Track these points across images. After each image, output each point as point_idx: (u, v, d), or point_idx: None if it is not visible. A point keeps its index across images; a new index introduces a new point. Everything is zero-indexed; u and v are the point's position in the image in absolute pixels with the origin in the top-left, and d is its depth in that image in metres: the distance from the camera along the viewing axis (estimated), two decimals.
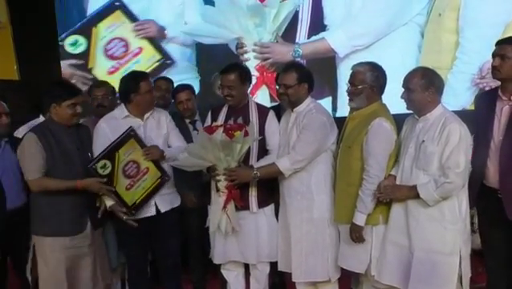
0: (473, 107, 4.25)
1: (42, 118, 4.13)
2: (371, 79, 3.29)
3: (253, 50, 5.61)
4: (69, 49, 5.62)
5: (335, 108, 5.49)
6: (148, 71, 5.51)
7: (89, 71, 5.59)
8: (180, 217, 3.87)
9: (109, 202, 3.48)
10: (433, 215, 3.09)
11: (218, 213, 3.53)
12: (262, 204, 3.62)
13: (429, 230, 3.10)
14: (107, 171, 3.41)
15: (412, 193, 3.10)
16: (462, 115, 3.21)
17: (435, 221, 3.09)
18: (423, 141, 3.10)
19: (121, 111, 3.61)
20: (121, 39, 5.54)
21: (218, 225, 3.54)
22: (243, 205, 3.56)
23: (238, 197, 3.52)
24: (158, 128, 3.67)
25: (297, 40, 5.57)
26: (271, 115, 3.67)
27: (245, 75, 3.64)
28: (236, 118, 3.58)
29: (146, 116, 3.63)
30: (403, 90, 3.20)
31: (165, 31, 5.69)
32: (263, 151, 3.63)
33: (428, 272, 3.10)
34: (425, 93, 3.11)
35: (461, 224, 3.12)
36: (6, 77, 5.67)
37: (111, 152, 3.44)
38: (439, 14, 5.17)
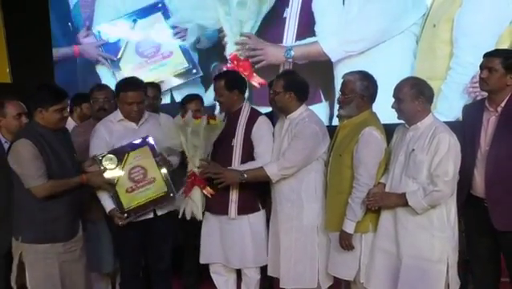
0: None
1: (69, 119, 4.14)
2: (360, 88, 3.35)
3: (247, 56, 5.73)
4: (104, 36, 5.78)
5: (331, 115, 5.55)
6: (172, 75, 5.69)
7: (117, 61, 5.78)
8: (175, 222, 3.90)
9: (109, 207, 3.51)
10: (422, 223, 3.13)
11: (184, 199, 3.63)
12: (243, 210, 3.63)
13: (418, 238, 3.14)
14: (112, 166, 3.46)
15: (401, 200, 3.14)
16: (453, 126, 3.25)
17: (423, 228, 3.13)
18: (413, 150, 3.14)
19: (116, 114, 3.68)
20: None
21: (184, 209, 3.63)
22: (220, 207, 3.62)
23: (205, 184, 3.58)
24: (155, 132, 3.66)
25: (284, 43, 5.66)
26: (260, 120, 3.66)
27: (232, 82, 3.68)
28: (229, 121, 3.68)
29: (142, 121, 3.68)
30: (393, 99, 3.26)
31: (200, 40, 5.90)
32: (248, 157, 3.63)
33: (416, 279, 3.14)
34: (415, 102, 3.15)
35: (450, 232, 3.15)
36: None
37: (121, 151, 3.51)
38: (433, 24, 5.22)
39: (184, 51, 5.81)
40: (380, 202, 3.24)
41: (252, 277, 3.76)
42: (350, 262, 3.37)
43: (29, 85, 4.76)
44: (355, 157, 3.30)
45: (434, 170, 3.08)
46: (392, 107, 3.26)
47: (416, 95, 3.16)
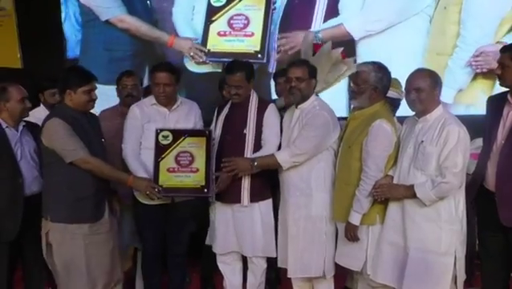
0: (468, 88, 5.25)
1: (42, 107, 4.27)
2: (374, 80, 3.31)
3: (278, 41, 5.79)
4: (212, 0, 6.03)
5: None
6: (237, 51, 5.81)
7: (209, 21, 5.97)
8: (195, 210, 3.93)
9: (141, 174, 3.59)
10: (430, 215, 3.11)
11: None
12: (254, 198, 3.65)
13: (425, 230, 3.12)
14: (165, 142, 3.60)
15: (409, 192, 3.11)
16: (470, 119, 3.29)
17: (431, 221, 3.11)
18: (422, 142, 3.11)
19: (151, 98, 3.81)
20: (247, 18, 5.89)
21: None
22: (232, 196, 3.65)
23: None
24: (185, 119, 3.82)
25: (313, 23, 5.85)
26: (271, 108, 3.71)
27: (251, 73, 3.73)
28: (236, 112, 3.72)
29: (173, 107, 3.78)
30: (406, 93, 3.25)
31: None
32: (260, 145, 3.66)
33: (422, 271, 3.12)
34: (434, 92, 3.14)
35: (458, 225, 3.12)
36: (10, 65, 5.80)
37: (179, 133, 3.63)
38: (444, 7, 5.57)
39: (264, 36, 6.03)
40: (388, 194, 3.22)
41: (259, 265, 3.78)
42: (357, 253, 3.36)
43: (39, 71, 5.06)
44: (364, 150, 3.28)
45: (443, 162, 3.05)
46: (411, 98, 3.21)
47: (434, 84, 3.16)
